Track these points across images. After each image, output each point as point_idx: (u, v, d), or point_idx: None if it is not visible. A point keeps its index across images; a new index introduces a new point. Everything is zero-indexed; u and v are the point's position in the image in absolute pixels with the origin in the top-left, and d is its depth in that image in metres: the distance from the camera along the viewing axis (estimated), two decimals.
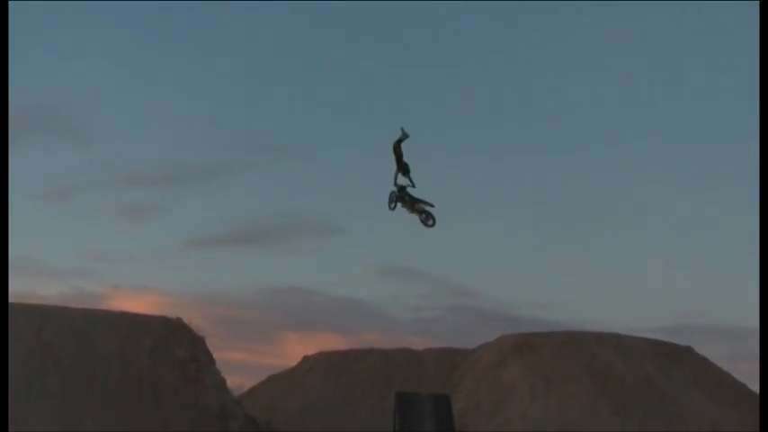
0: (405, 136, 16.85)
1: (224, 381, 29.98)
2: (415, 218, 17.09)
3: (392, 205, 17.37)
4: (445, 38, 73.47)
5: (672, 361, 36.86)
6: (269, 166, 79.41)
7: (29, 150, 75.57)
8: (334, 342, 52.86)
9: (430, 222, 17.40)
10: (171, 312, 44.24)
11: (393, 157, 16.91)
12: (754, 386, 33.00)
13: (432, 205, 17.31)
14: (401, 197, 17.34)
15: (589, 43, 69.69)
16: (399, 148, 16.94)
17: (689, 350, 38.42)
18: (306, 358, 38.17)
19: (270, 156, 78.86)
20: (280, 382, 35.55)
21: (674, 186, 74.54)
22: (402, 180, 17.21)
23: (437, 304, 76.47)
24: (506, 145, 77.06)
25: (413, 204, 17.44)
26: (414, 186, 17.32)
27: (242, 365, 44.92)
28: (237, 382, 35.57)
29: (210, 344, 34.21)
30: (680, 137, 72.94)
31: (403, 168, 16.97)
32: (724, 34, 70.28)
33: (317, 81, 76.97)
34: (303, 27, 75.48)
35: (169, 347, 28.14)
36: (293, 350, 47.26)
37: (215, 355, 31.71)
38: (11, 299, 32.67)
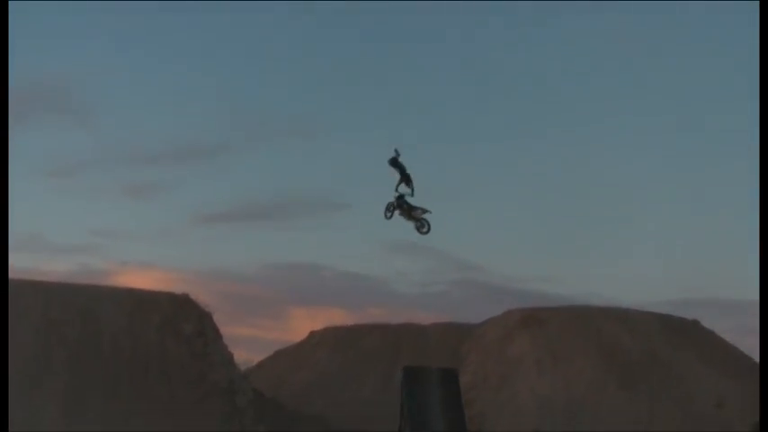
0: (398, 154, 17.66)
1: (231, 356, 30.04)
2: (411, 225, 17.77)
3: (388, 214, 18.04)
4: (446, 17, 73.10)
5: (678, 335, 36.87)
6: (274, 143, 79.37)
7: (34, 130, 75.62)
8: (340, 317, 52.99)
9: (424, 230, 18.06)
10: (177, 288, 44.29)
11: (391, 171, 17.69)
12: None
13: (428, 211, 17.95)
14: (400, 205, 17.90)
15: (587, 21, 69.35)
16: (398, 162, 17.64)
17: (695, 324, 38.43)
18: (312, 333, 38.23)
19: (275, 133, 78.71)
20: (287, 357, 35.64)
21: (679, 160, 74.49)
22: (403, 189, 17.83)
23: (443, 279, 76.53)
24: (513, 120, 76.94)
25: (410, 212, 18.03)
26: (413, 195, 17.94)
27: (249, 341, 45.03)
28: (244, 357, 35.68)
29: (217, 319, 34.30)
30: (685, 113, 72.81)
31: (406, 179, 17.61)
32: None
33: (321, 59, 76.86)
34: (305, 4, 75.11)
35: (176, 323, 28.19)
36: (300, 325, 47.40)
37: (222, 331, 31.78)
38: (18, 276, 32.75)
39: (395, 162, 17.78)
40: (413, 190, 18.00)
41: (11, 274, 30.67)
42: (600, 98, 74.65)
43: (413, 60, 75.76)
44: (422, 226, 18.07)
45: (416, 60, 75.72)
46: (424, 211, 18.13)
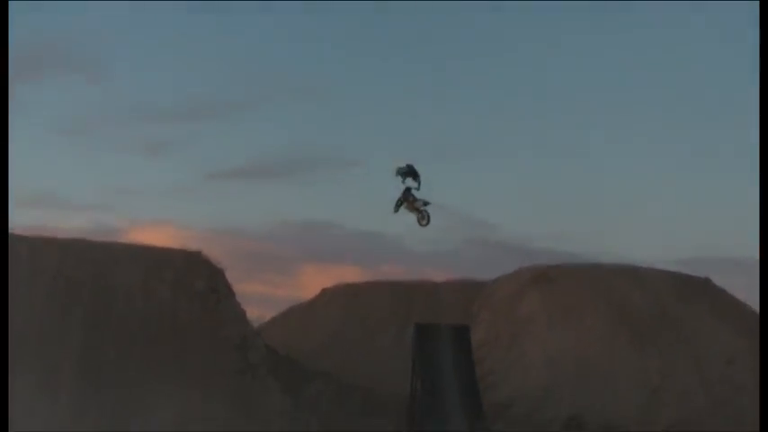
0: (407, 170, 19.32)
1: (244, 312, 30.19)
2: (413, 217, 19.03)
3: (396, 209, 19.30)
4: None
5: (689, 292, 36.88)
6: (288, 100, 79.13)
7: (47, 87, 75.57)
8: (352, 274, 53.12)
9: (424, 222, 19.35)
10: (190, 245, 44.46)
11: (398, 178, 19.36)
12: None
13: (429, 203, 19.29)
14: (406, 198, 19.19)
15: None
16: (409, 168, 19.08)
17: (706, 281, 38.44)
18: (324, 291, 38.37)
19: (289, 90, 78.45)
20: (299, 314, 35.84)
21: (689, 116, 74.08)
22: (410, 183, 19.21)
23: (455, 237, 76.48)
24: (523, 76, 76.54)
25: (413, 204, 19.33)
26: (419, 189, 19.21)
27: (261, 298, 45.24)
28: (257, 314, 35.85)
29: (230, 276, 34.42)
30: (695, 71, 72.30)
31: (413, 174, 19.09)
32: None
33: (335, 15, 76.26)
34: None
35: (189, 280, 28.32)
36: (312, 283, 47.57)
37: (234, 288, 31.92)
38: (30, 233, 32.91)
39: (405, 171, 19.21)
40: (419, 184, 19.24)
41: (25, 232, 30.92)
42: (614, 47, 74.38)
43: (428, 17, 75.26)
44: (422, 218, 19.39)
45: (431, 17, 75.27)
46: (426, 203, 19.57)
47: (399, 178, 19.27)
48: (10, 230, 26.56)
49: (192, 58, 78.45)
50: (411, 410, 23.67)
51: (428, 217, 19.40)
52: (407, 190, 19.02)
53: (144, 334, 26.14)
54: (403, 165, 19.37)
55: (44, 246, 29.59)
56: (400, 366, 22.78)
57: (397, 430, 22.46)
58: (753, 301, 36.37)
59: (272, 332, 34.61)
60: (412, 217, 19.29)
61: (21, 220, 52.65)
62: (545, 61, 74.93)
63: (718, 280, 38.74)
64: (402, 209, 19.26)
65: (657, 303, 34.70)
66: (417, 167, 19.28)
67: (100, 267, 29.10)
